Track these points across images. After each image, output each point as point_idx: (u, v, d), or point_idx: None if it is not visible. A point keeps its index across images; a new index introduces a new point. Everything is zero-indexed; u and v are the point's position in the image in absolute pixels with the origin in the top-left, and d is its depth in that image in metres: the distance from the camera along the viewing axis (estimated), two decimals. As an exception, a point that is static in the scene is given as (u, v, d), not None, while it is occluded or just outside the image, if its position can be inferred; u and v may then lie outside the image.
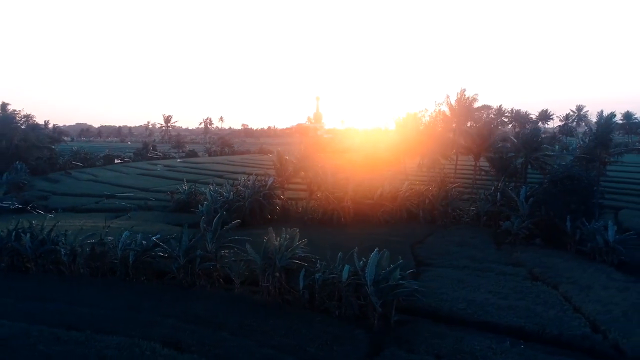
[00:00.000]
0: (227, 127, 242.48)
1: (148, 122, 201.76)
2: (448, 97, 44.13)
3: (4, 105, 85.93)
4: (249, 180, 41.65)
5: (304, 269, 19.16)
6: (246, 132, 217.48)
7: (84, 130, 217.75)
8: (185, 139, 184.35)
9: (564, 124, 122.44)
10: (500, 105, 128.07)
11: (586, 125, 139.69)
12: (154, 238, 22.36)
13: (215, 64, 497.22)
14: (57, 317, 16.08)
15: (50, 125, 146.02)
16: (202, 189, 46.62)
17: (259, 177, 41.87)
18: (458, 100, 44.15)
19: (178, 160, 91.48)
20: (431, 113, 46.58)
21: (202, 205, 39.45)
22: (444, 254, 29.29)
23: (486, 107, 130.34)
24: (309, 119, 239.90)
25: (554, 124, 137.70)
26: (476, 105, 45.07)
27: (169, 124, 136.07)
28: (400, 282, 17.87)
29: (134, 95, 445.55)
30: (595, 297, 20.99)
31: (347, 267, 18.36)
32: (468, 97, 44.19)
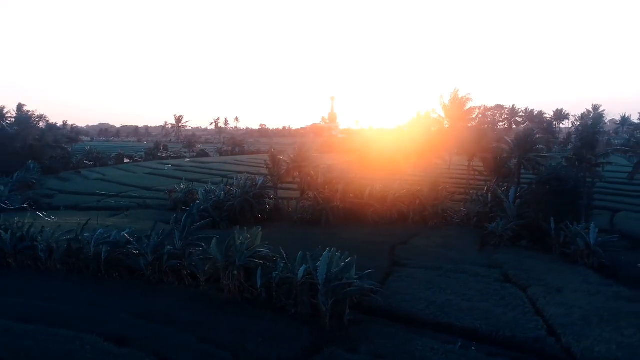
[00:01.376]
0: (243, 127, 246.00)
1: (166, 123, 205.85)
2: (442, 97, 43.91)
3: (20, 106, 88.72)
4: (241, 180, 42.23)
5: (260, 268, 19.45)
6: (260, 132, 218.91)
7: (102, 131, 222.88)
8: (200, 139, 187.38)
9: (579, 123, 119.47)
10: (513, 105, 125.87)
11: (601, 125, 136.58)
12: (124, 234, 22.98)
13: (234, 65, 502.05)
14: (16, 311, 16.77)
15: (69, 126, 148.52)
16: (200, 188, 47.39)
17: (250, 177, 42.34)
18: (451, 101, 43.80)
19: (186, 160, 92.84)
20: (425, 113, 46.35)
21: (194, 204, 40.24)
22: (423, 254, 29.23)
23: (499, 107, 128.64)
24: (323, 119, 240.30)
25: (569, 123, 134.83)
26: (470, 104, 44.56)
27: (180, 124, 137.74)
28: (351, 281, 17.96)
29: (155, 96, 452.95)
30: (561, 300, 20.70)
31: (303, 266, 18.58)
32: (462, 97, 43.80)
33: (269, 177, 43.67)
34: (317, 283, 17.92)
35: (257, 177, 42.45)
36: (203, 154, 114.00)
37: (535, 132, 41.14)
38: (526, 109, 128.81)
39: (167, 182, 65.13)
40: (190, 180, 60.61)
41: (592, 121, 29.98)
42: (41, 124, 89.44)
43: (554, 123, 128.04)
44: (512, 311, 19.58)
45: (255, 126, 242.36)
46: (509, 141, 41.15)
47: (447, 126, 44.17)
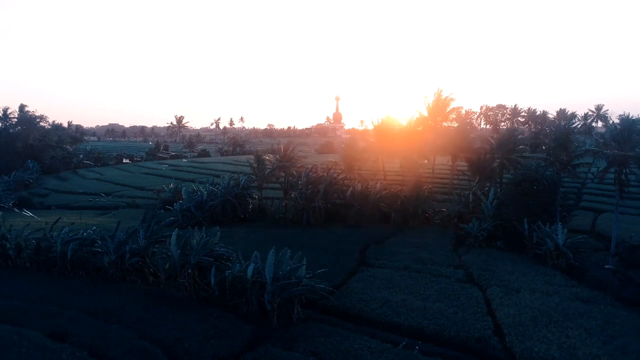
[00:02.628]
0: (249, 127, 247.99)
1: (171, 123, 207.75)
2: (425, 97, 43.90)
3: (22, 106, 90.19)
4: (224, 180, 42.61)
5: (214, 267, 19.74)
6: (265, 132, 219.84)
7: (109, 131, 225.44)
8: (204, 139, 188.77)
9: (582, 123, 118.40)
10: (515, 105, 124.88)
11: (605, 125, 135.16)
12: (90, 232, 23.43)
13: (242, 67, 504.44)
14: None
15: (73, 126, 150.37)
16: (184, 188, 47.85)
17: (233, 177, 42.68)
18: (435, 101, 43.74)
19: (184, 160, 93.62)
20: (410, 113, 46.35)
21: (177, 203, 40.80)
22: (394, 254, 29.27)
23: (501, 107, 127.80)
24: (327, 119, 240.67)
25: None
26: (454, 105, 44.40)
27: (180, 124, 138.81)
28: (297, 280, 18.18)
29: (165, 97, 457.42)
30: (517, 301, 20.73)
31: (252, 265, 18.85)
32: (445, 98, 43.72)
33: (253, 177, 43.97)
34: (265, 282, 18.17)
35: (241, 176, 42.67)
36: (204, 153, 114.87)
37: (518, 132, 40.90)
38: (529, 108, 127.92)
39: (162, 182, 65.46)
40: (186, 180, 61.32)
41: (566, 122, 29.67)
42: (42, 123, 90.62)
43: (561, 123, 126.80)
44: (464, 311, 19.65)
45: (264, 126, 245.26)
46: (492, 141, 41.05)
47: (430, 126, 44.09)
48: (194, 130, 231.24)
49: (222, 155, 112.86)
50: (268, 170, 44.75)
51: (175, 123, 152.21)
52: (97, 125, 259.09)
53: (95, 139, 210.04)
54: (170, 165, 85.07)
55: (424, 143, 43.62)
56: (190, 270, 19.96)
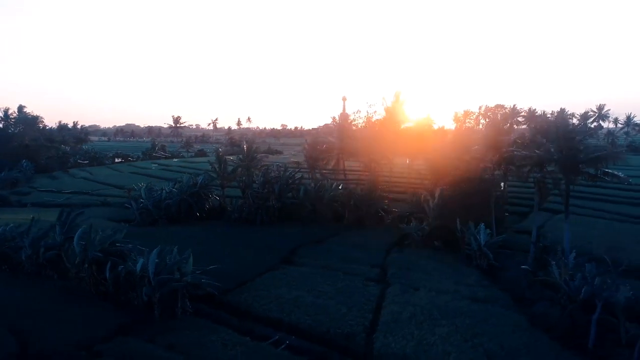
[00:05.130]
0: (255, 128, 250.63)
1: (169, 124, 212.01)
2: (384, 98, 44.09)
3: (21, 107, 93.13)
4: (186, 180, 43.56)
5: (110, 262, 20.52)
6: (270, 132, 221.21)
7: (119, 131, 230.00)
8: (210, 139, 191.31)
9: (582, 124, 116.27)
10: (514, 105, 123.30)
11: (604, 125, 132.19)
12: (7, 229, 24.47)
13: (254, 68, 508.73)
14: None
15: (79, 126, 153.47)
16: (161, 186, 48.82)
17: (191, 176, 43.57)
18: (394, 102, 43.92)
19: (175, 160, 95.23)
20: (367, 114, 46.60)
21: (135, 202, 41.87)
22: (324, 253, 29.65)
23: (499, 107, 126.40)
24: (333, 119, 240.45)
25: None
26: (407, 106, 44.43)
27: (178, 124, 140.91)
28: (176, 276, 18.86)
29: (180, 97, 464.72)
30: (408, 299, 21.04)
31: (140, 260, 19.56)
32: (403, 99, 43.93)
33: (214, 176, 44.82)
34: (149, 276, 18.88)
35: (199, 176, 43.55)
36: (201, 154, 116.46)
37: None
38: (529, 108, 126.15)
39: (146, 181, 67.13)
40: (171, 179, 62.38)
41: (499, 122, 29.63)
42: (38, 124, 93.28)
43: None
44: (350, 308, 19.98)
45: (277, 126, 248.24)
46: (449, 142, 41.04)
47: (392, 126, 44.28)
48: (200, 130, 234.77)
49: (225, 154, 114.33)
50: (231, 169, 45.57)
51: (179, 123, 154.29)
52: (114, 126, 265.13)
53: (106, 139, 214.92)
54: (160, 165, 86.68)
55: (384, 143, 43.84)
56: (87, 265, 20.78)
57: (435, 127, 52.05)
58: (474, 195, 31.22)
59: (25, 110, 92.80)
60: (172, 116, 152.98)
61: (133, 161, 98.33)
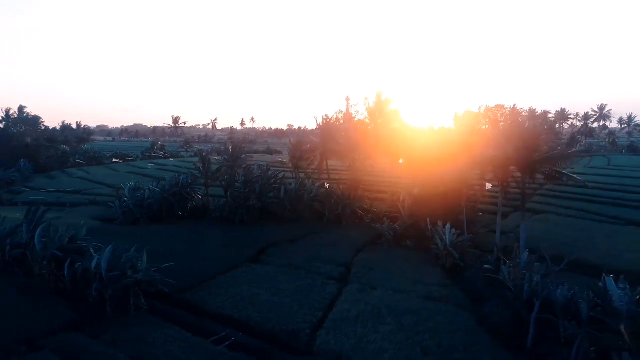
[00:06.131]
0: (261, 128, 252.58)
1: (168, 124, 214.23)
2: (366, 99, 44.20)
3: (21, 107, 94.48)
4: (170, 179, 44.02)
5: (68, 259, 20.94)
6: (273, 132, 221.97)
7: (124, 131, 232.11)
8: (213, 139, 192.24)
9: (583, 124, 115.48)
10: (514, 105, 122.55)
11: (605, 126, 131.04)
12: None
13: (260, 70, 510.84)
14: None
15: (82, 126, 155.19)
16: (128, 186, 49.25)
17: (175, 176, 44.02)
18: (376, 103, 44.02)
19: (171, 159, 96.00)
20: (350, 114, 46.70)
21: (119, 201, 42.41)
22: (295, 252, 29.90)
23: (500, 107, 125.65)
24: (337, 119, 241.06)
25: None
26: (392, 106, 44.48)
27: (177, 124, 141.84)
28: (126, 273, 19.24)
29: (184, 97, 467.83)
30: (361, 298, 21.27)
31: (95, 258, 19.96)
32: (385, 99, 43.96)
33: (198, 175, 45.26)
34: (101, 273, 19.27)
35: (182, 176, 43.99)
36: (200, 153, 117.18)
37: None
38: (530, 108, 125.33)
39: (142, 181, 67.84)
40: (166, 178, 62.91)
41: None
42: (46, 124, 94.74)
43: (557, 124, 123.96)
44: (302, 306, 20.24)
45: (281, 126, 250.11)
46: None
47: (371, 127, 44.43)
48: (205, 130, 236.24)
49: (218, 154, 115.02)
50: (215, 168, 45.99)
51: (179, 123, 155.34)
52: (122, 126, 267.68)
53: (110, 138, 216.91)
54: (156, 164, 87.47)
55: (367, 144, 44.00)
56: (46, 262, 21.23)
57: (436, 127, 52.37)
58: (447, 196, 31.28)
59: (25, 110, 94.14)
60: (172, 116, 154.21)
61: (132, 161, 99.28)
